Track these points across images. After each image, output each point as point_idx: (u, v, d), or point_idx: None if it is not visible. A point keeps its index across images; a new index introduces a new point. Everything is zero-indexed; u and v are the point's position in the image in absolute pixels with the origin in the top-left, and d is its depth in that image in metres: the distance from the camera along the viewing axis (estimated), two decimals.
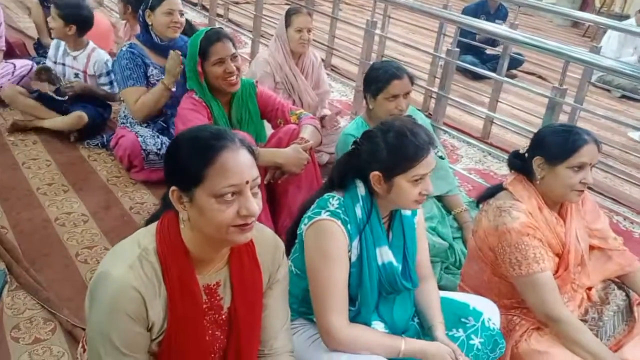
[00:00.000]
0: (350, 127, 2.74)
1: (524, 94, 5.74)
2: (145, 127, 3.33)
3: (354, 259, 1.74)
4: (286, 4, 4.72)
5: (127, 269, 1.28)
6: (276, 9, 7.56)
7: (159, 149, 3.22)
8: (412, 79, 2.63)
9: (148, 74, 3.30)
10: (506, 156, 2.23)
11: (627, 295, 2.19)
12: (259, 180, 1.34)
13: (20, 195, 3.00)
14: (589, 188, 3.66)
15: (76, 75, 3.70)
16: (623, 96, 6.20)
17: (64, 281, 2.39)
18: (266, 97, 2.85)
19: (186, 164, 1.29)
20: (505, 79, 4.48)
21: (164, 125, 3.36)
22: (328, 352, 1.72)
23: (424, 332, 1.87)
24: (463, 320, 1.87)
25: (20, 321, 2.15)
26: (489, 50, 6.22)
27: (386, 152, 1.71)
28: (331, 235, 1.70)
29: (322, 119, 3.57)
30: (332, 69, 5.81)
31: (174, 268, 1.33)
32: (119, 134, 3.36)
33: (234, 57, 2.64)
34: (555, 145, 1.99)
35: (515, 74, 6.45)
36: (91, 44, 3.74)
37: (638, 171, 4.26)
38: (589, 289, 2.21)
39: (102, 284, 1.29)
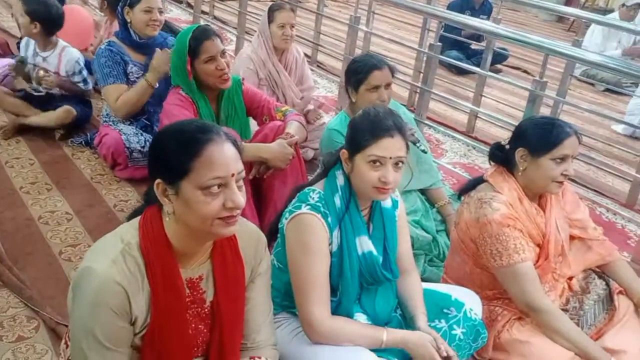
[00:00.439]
0: (334, 121, 2.75)
1: (508, 88, 5.78)
2: (129, 124, 3.32)
3: (334, 248, 1.76)
4: (271, 0, 4.71)
5: (110, 263, 1.29)
6: (261, 6, 7.53)
7: (143, 147, 3.21)
8: (392, 70, 2.64)
9: (127, 71, 3.29)
10: None
11: (607, 285, 2.22)
12: (243, 174, 1.35)
13: (3, 194, 2.97)
14: (573, 180, 3.77)
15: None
16: (607, 90, 6.25)
17: (48, 279, 2.38)
18: (252, 94, 2.86)
19: (172, 156, 1.30)
20: (489, 73, 4.51)
21: (147, 122, 3.35)
22: (311, 344, 1.73)
23: (407, 323, 1.89)
24: (445, 311, 1.89)
25: (3, 319, 2.14)
26: (474, 46, 6.25)
27: (352, 128, 1.75)
28: (311, 229, 1.71)
29: (306, 114, 3.57)
30: (317, 65, 5.82)
31: (157, 262, 1.33)
32: (103, 132, 3.35)
33: (223, 53, 2.64)
34: (538, 137, 2.01)
35: (501, 69, 6.49)
36: (61, 43, 3.64)
37: (621, 163, 4.31)
38: (570, 278, 2.24)
39: (85, 279, 1.29)
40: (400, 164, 1.73)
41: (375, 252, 1.80)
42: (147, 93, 3.21)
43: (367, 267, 1.79)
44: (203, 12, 6.82)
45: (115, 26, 3.73)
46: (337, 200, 1.76)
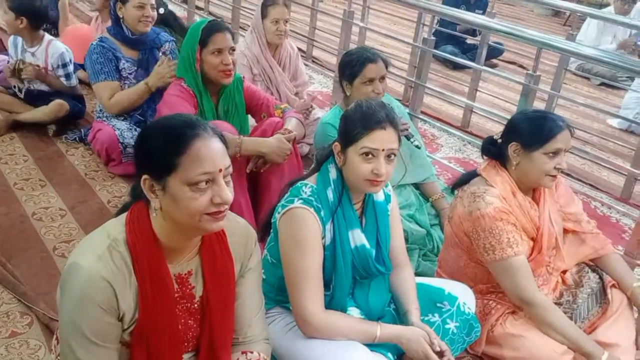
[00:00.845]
0: (328, 115, 2.75)
1: (504, 82, 5.78)
2: (122, 120, 3.31)
3: (327, 242, 1.76)
4: None
5: (96, 259, 1.28)
6: (255, 1, 7.51)
7: None
8: (386, 63, 2.64)
9: (120, 68, 3.28)
10: None
11: (601, 278, 2.22)
12: (231, 169, 1.34)
13: None
14: (568, 174, 3.77)
15: None
16: (602, 84, 6.25)
17: (41, 275, 2.38)
18: (252, 91, 2.89)
19: (159, 152, 1.29)
20: (484, 67, 4.50)
21: (141, 118, 3.33)
22: (305, 339, 1.74)
23: (400, 318, 1.89)
24: (438, 305, 1.90)
25: None
26: (470, 40, 6.24)
27: (344, 121, 1.75)
28: (304, 223, 1.71)
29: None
30: (313, 61, 5.81)
31: (144, 257, 1.33)
32: (96, 127, 3.34)
33: (232, 50, 2.66)
34: (531, 131, 2.01)
35: (496, 63, 6.48)
36: (47, 37, 3.63)
37: (616, 158, 4.32)
38: (564, 272, 2.24)
39: (71, 275, 1.29)
40: (393, 156, 1.72)
41: (368, 246, 1.80)
42: (144, 96, 3.24)
43: (360, 261, 1.79)
44: (198, 8, 6.80)
45: (109, 22, 3.70)
46: (330, 194, 1.76)
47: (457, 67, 6.05)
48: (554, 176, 2.03)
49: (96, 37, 3.51)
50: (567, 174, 3.81)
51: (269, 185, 2.67)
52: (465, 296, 1.98)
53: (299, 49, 3.98)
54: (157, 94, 3.21)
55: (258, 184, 2.72)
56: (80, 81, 3.90)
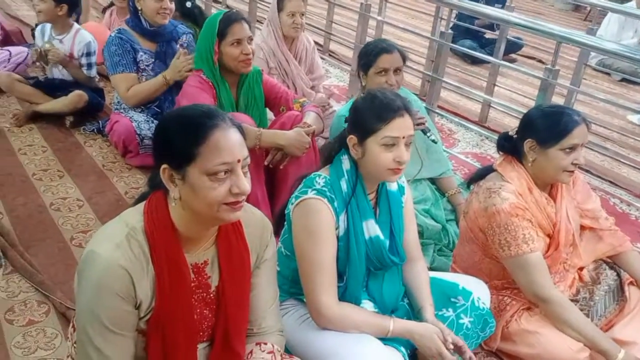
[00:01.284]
0: (344, 108, 2.74)
1: (522, 77, 5.72)
2: (140, 112, 3.33)
3: (341, 233, 1.75)
4: None
5: (114, 247, 1.29)
6: None
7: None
8: (403, 55, 2.63)
9: (137, 59, 3.30)
10: None
11: (618, 275, 2.20)
12: (249, 160, 1.35)
13: (15, 181, 3.01)
14: (587, 170, 3.72)
15: None
16: (623, 79, 6.17)
17: (59, 265, 2.41)
18: (271, 84, 2.89)
19: (179, 142, 1.30)
20: (502, 62, 4.46)
21: (158, 110, 3.35)
22: (318, 330, 1.74)
23: (414, 313, 1.89)
24: (452, 299, 1.88)
25: (14, 304, 2.17)
26: (489, 35, 6.18)
27: (359, 114, 1.74)
28: (318, 214, 1.71)
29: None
30: (330, 55, 5.79)
31: (162, 246, 1.34)
32: (114, 119, 3.37)
33: (250, 39, 2.67)
34: (546, 127, 1.98)
35: (515, 58, 6.42)
36: (76, 26, 3.69)
37: (636, 154, 4.26)
38: (581, 269, 2.22)
39: (89, 263, 1.30)
40: (410, 143, 1.73)
41: (382, 237, 1.80)
42: (162, 89, 3.26)
43: (375, 252, 1.79)
44: (215, 1, 6.81)
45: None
46: (344, 185, 1.76)
47: (475, 61, 6.00)
48: (572, 172, 2.01)
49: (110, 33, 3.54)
50: (586, 170, 3.77)
51: (286, 178, 2.67)
52: (479, 291, 1.96)
53: (316, 43, 3.97)
54: (174, 87, 3.23)
55: (275, 176, 2.72)
56: (100, 75, 3.93)
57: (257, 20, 5.76)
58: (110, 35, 3.32)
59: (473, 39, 6.11)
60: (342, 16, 6.47)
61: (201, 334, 1.47)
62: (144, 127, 3.23)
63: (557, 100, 4.05)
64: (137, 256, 1.31)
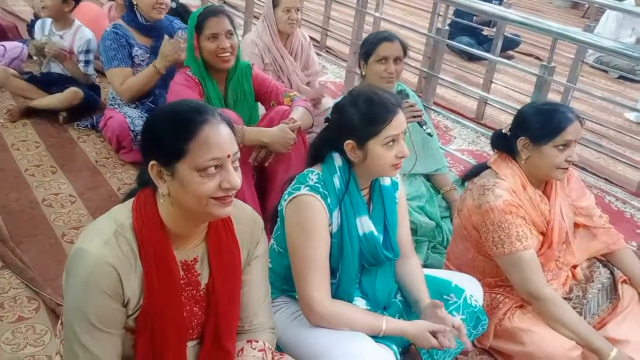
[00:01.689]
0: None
1: (519, 74, 5.71)
2: (134, 108, 3.32)
3: (335, 230, 1.74)
4: None
5: (102, 244, 1.28)
6: None
7: None
8: (404, 46, 2.64)
9: (133, 55, 3.28)
10: None
11: (612, 274, 2.19)
12: (239, 155, 1.34)
13: (8, 176, 2.99)
14: (583, 168, 3.71)
15: None
16: (621, 77, 6.16)
17: (50, 261, 2.39)
18: (261, 79, 2.85)
19: (168, 138, 1.29)
20: (499, 59, 4.45)
21: (153, 106, 3.33)
22: (311, 328, 1.73)
23: (408, 310, 1.88)
24: (445, 297, 1.87)
25: (4, 300, 2.16)
26: (486, 32, 6.17)
27: (356, 118, 1.71)
28: (311, 210, 1.69)
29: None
30: (327, 51, 5.78)
31: (151, 243, 1.32)
32: (108, 115, 3.35)
33: (229, 34, 2.61)
34: (540, 125, 1.97)
35: (513, 55, 6.41)
36: (77, 22, 3.70)
37: (632, 152, 4.25)
38: (575, 267, 2.21)
39: (77, 260, 1.28)
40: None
41: (376, 233, 1.79)
42: (154, 79, 3.21)
43: (369, 248, 1.78)
44: None
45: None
46: (337, 181, 1.75)
47: (472, 58, 5.99)
48: (566, 169, 2.00)
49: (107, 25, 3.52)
50: (582, 168, 3.76)
51: (275, 176, 2.63)
52: (472, 289, 1.95)
53: (313, 39, 3.95)
54: (169, 81, 3.20)
55: (264, 175, 2.69)
56: (97, 71, 3.92)
57: (255, 17, 5.73)
58: (106, 30, 3.30)
59: (471, 36, 6.10)
60: (340, 12, 6.45)
61: (191, 331, 1.45)
62: (138, 123, 3.21)
63: (554, 97, 4.04)
64: (126, 253, 1.30)
